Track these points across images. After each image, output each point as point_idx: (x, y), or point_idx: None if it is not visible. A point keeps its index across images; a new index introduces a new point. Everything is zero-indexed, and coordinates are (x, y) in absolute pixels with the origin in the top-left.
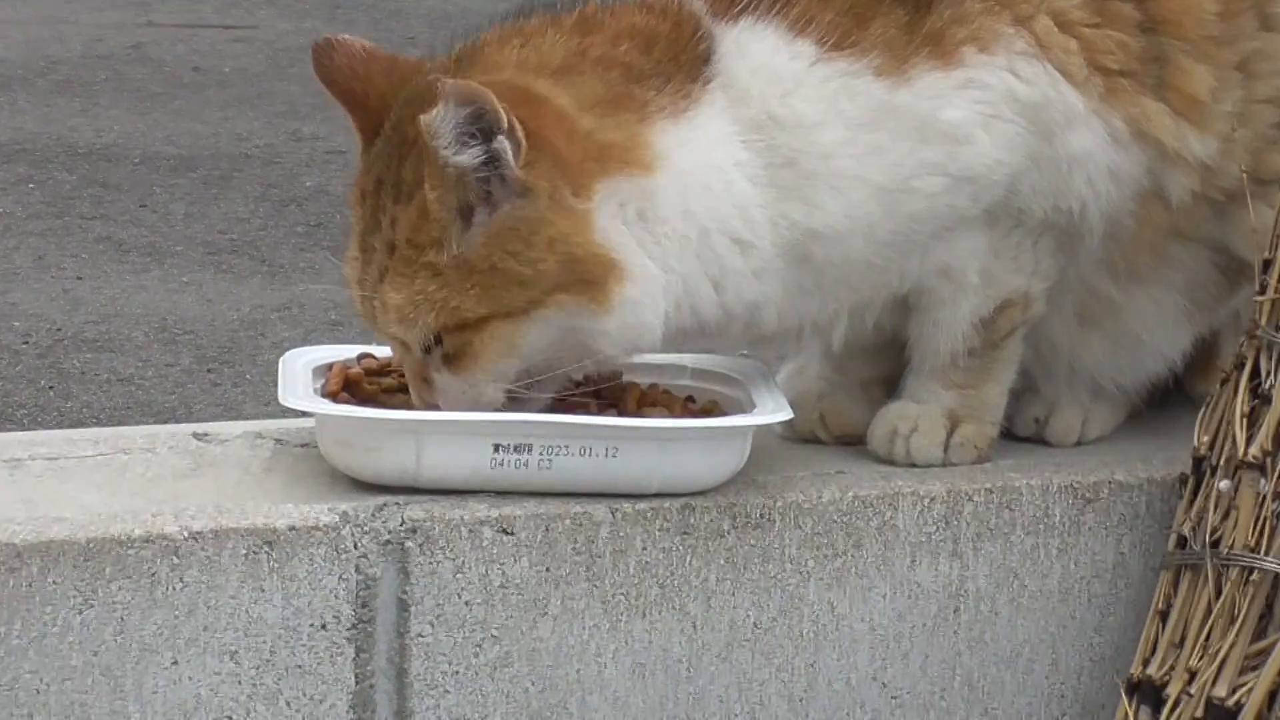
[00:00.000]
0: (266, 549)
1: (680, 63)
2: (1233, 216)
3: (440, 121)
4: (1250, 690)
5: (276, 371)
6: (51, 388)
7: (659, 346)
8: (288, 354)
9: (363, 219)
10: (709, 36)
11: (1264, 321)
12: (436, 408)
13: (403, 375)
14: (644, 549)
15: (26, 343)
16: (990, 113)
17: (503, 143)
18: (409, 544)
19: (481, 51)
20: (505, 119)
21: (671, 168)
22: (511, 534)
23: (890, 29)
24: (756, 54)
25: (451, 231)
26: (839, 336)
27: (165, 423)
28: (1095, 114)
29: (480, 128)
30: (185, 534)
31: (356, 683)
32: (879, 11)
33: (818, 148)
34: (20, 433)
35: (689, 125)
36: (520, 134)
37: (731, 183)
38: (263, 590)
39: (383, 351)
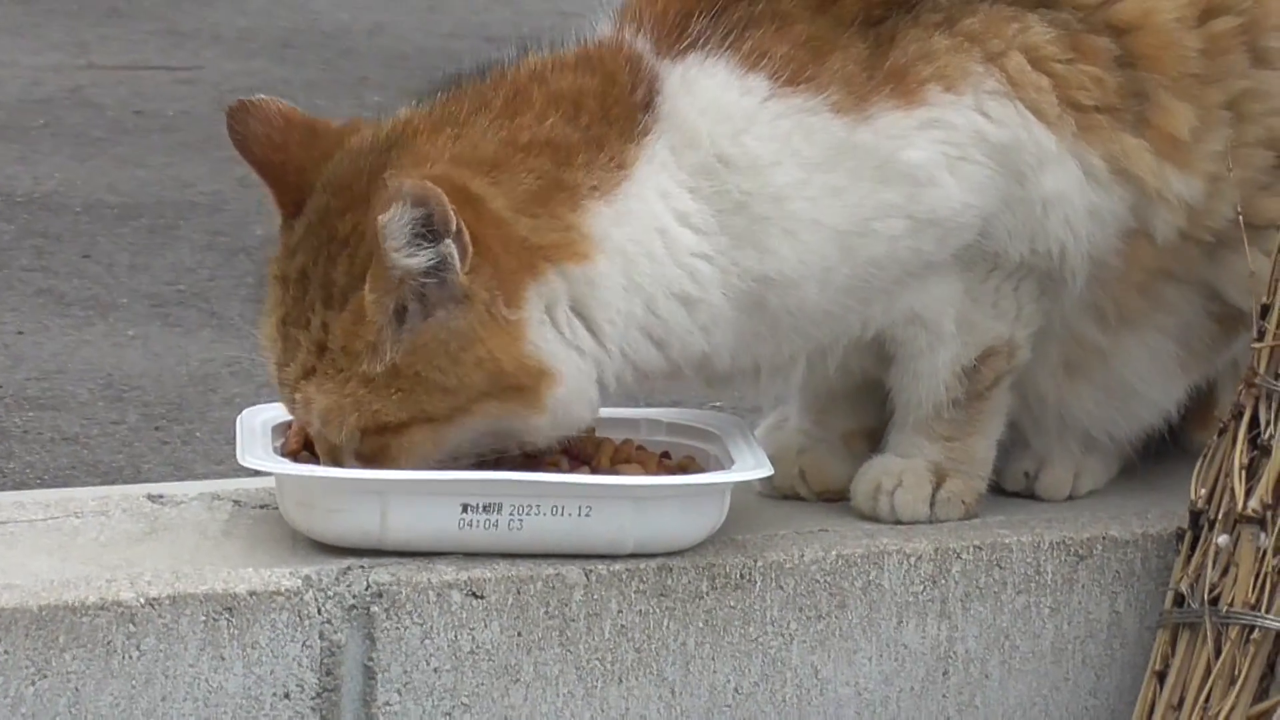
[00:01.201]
0: (226, 615)
1: (612, 120)
2: (1223, 260)
3: (395, 223)
4: None
5: (228, 428)
6: None
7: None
8: (245, 411)
9: (284, 305)
10: (652, 77)
11: (1262, 369)
12: None
13: None
14: (619, 612)
15: None
16: (956, 154)
17: (450, 246)
18: (375, 608)
19: (414, 140)
20: (454, 222)
21: (610, 249)
22: (481, 597)
23: (850, 64)
24: (705, 91)
25: (386, 335)
26: (798, 378)
27: (113, 483)
28: (1069, 153)
29: (430, 229)
30: (141, 600)
31: None
32: (838, 45)
33: (770, 190)
34: None
35: (624, 197)
36: (466, 238)
37: (676, 240)
38: (223, 659)
39: None
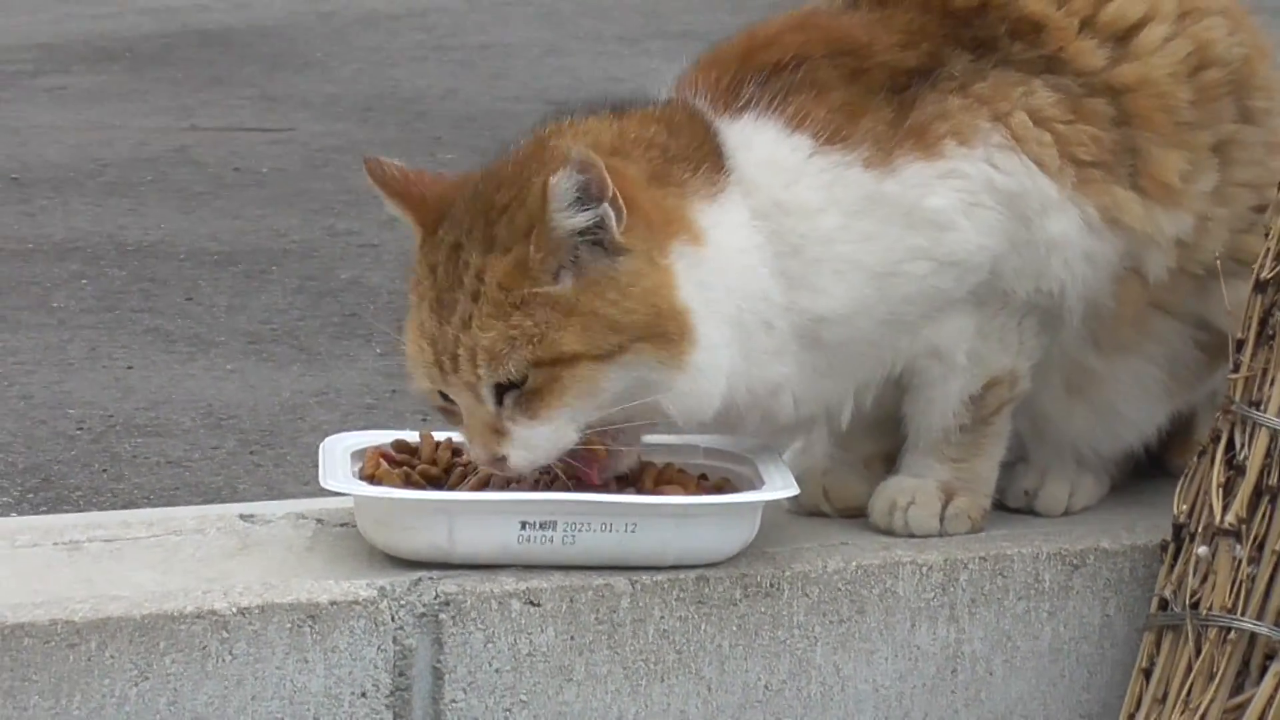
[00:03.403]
0: (310, 622)
1: (705, 151)
2: (1213, 291)
3: (564, 184)
4: None
5: (316, 453)
6: (105, 470)
7: (710, 423)
8: (327, 440)
9: (435, 285)
10: (716, 131)
11: (1238, 397)
12: (504, 461)
13: (430, 461)
14: (662, 618)
15: (81, 429)
16: (971, 200)
17: (607, 209)
18: (443, 616)
19: (545, 143)
20: (610, 188)
21: (713, 243)
22: (538, 605)
23: (878, 125)
24: (760, 146)
25: (544, 281)
26: (846, 418)
27: (211, 502)
28: (1070, 201)
29: (587, 193)
30: (234, 610)
31: None
32: (868, 110)
33: (820, 233)
34: (78, 515)
35: (719, 209)
36: (621, 202)
37: (755, 266)
38: (306, 661)
39: (415, 436)
